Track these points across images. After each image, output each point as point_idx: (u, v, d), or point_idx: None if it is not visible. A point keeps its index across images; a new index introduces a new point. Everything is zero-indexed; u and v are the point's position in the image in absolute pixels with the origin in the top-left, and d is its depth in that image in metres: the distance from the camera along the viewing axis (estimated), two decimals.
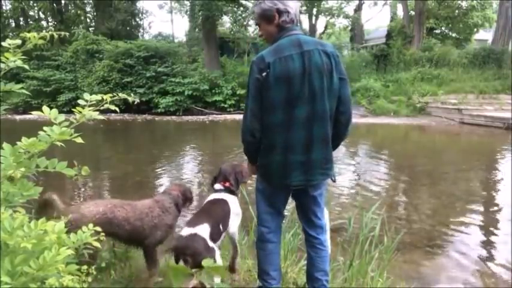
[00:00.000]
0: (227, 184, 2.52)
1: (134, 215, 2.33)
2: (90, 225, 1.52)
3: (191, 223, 2.14)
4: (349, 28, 28.23)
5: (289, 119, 1.97)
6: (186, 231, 2.07)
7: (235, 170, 2.58)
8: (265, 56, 1.96)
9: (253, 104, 2.01)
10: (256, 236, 2.37)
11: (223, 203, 2.44)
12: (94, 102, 1.39)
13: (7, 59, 1.36)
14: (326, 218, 2.36)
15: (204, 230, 2.09)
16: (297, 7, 2.06)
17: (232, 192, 2.54)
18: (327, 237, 2.36)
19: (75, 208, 2.24)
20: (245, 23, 21.27)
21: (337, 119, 2.07)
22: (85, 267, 1.74)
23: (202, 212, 2.33)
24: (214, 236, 2.20)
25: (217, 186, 2.54)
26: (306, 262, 2.84)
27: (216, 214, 2.31)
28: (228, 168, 2.60)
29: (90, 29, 25.28)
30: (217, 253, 2.17)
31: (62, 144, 1.32)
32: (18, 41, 1.39)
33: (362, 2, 26.85)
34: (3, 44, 1.39)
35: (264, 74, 1.94)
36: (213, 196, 2.49)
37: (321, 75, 1.95)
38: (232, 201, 2.51)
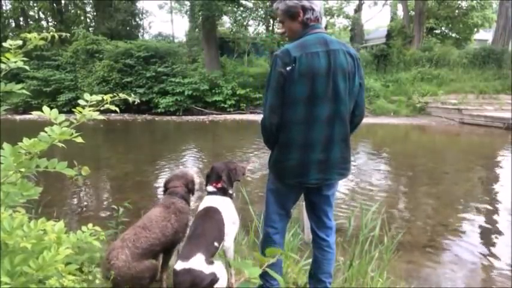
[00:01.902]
0: (219, 185, 2.37)
1: (158, 233, 2.26)
2: (90, 225, 1.53)
3: (183, 256, 1.99)
4: (349, 28, 28.25)
5: (309, 116, 1.95)
6: (179, 266, 1.94)
7: (229, 167, 2.43)
8: (291, 50, 1.92)
9: (274, 98, 1.96)
10: (262, 236, 2.33)
11: (215, 213, 2.25)
12: (94, 102, 1.39)
13: (8, 59, 1.37)
14: None
15: (198, 261, 1.94)
16: (321, 5, 2.03)
17: (226, 193, 2.38)
18: (334, 239, 2.31)
19: (110, 268, 2.09)
20: (245, 23, 21.27)
21: (350, 121, 2.08)
22: (87, 268, 1.74)
23: (193, 236, 2.13)
24: (211, 256, 2.06)
25: (210, 188, 2.39)
26: (306, 262, 2.85)
27: (209, 232, 2.13)
28: (221, 165, 2.44)
29: (90, 29, 25.28)
30: (219, 269, 2.01)
31: (63, 145, 1.32)
32: (19, 42, 1.39)
33: (362, 2, 26.88)
34: (4, 44, 1.39)
35: (289, 68, 1.90)
36: (206, 203, 2.33)
37: (344, 76, 1.94)
38: (227, 207, 2.33)
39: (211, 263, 1.99)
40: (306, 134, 1.97)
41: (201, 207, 2.32)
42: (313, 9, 1.99)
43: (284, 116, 1.98)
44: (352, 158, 2.15)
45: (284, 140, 2.03)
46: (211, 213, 2.25)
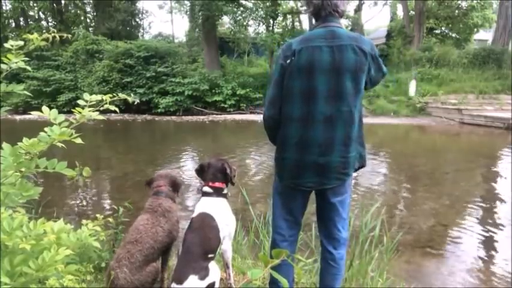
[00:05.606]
0: (216, 185, 2.20)
1: (150, 242, 2.25)
2: (90, 225, 1.53)
3: (177, 279, 1.94)
4: (349, 28, 28.25)
5: (307, 114, 1.84)
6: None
7: (227, 166, 2.25)
8: (293, 43, 1.87)
9: (274, 90, 1.92)
10: (269, 244, 2.23)
11: (210, 220, 2.12)
12: (94, 102, 1.39)
13: (9, 60, 1.37)
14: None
15: (191, 283, 1.91)
16: None
17: (221, 193, 2.22)
18: (344, 253, 2.11)
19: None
20: (245, 23, 21.25)
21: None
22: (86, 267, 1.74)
23: (184, 253, 2.05)
24: (205, 267, 1.99)
25: (206, 188, 2.22)
26: (305, 262, 2.85)
27: (201, 247, 2.03)
28: (217, 163, 2.24)
29: (90, 29, 25.30)
30: (213, 273, 1.99)
31: (63, 145, 1.32)
32: (21, 43, 1.39)
33: (362, 2, 26.86)
34: (5, 45, 1.39)
35: (289, 61, 1.85)
36: (200, 207, 2.20)
37: (351, 73, 1.80)
38: (222, 210, 2.19)
39: (206, 275, 1.95)
40: (302, 133, 1.87)
41: (196, 211, 2.21)
42: (309, 3, 1.94)
43: (283, 111, 1.92)
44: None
45: (282, 137, 1.96)
46: (205, 223, 2.12)
